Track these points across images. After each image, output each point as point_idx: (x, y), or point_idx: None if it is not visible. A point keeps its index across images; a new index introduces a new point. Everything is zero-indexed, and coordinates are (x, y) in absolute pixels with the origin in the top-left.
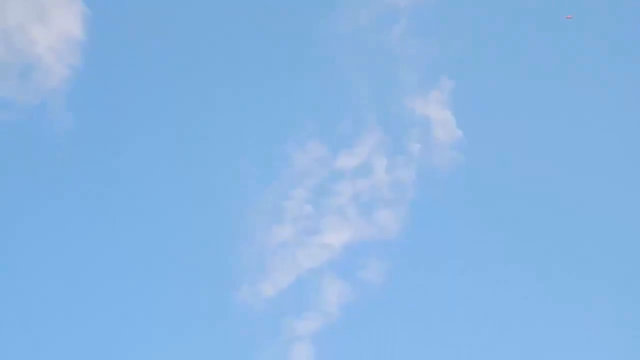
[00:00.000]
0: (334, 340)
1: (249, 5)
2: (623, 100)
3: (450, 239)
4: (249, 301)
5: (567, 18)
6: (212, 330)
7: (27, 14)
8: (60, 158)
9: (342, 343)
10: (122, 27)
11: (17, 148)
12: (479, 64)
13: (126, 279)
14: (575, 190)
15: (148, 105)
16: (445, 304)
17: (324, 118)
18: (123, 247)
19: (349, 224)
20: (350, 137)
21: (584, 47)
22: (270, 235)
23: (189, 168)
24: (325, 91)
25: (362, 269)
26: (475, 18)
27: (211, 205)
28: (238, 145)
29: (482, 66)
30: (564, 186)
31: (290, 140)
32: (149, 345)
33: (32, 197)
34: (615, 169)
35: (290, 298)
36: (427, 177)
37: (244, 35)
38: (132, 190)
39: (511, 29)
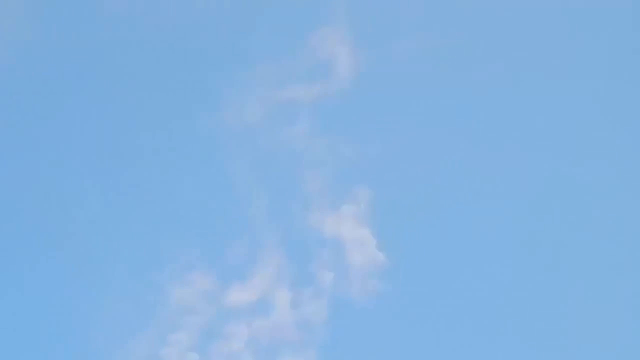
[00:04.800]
0: None
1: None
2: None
3: None
4: None
5: None
6: None
7: None
8: None
9: None
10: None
11: None
12: (400, 168)
13: None
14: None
15: None
16: None
17: (209, 241)
18: None
19: None
20: (244, 264)
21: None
22: None
23: None
24: (210, 207)
25: None
26: (393, 112)
27: None
28: (103, 281)
29: (404, 170)
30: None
31: (168, 271)
32: None
33: None
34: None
35: None
36: (341, 313)
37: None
38: None
39: (435, 120)
